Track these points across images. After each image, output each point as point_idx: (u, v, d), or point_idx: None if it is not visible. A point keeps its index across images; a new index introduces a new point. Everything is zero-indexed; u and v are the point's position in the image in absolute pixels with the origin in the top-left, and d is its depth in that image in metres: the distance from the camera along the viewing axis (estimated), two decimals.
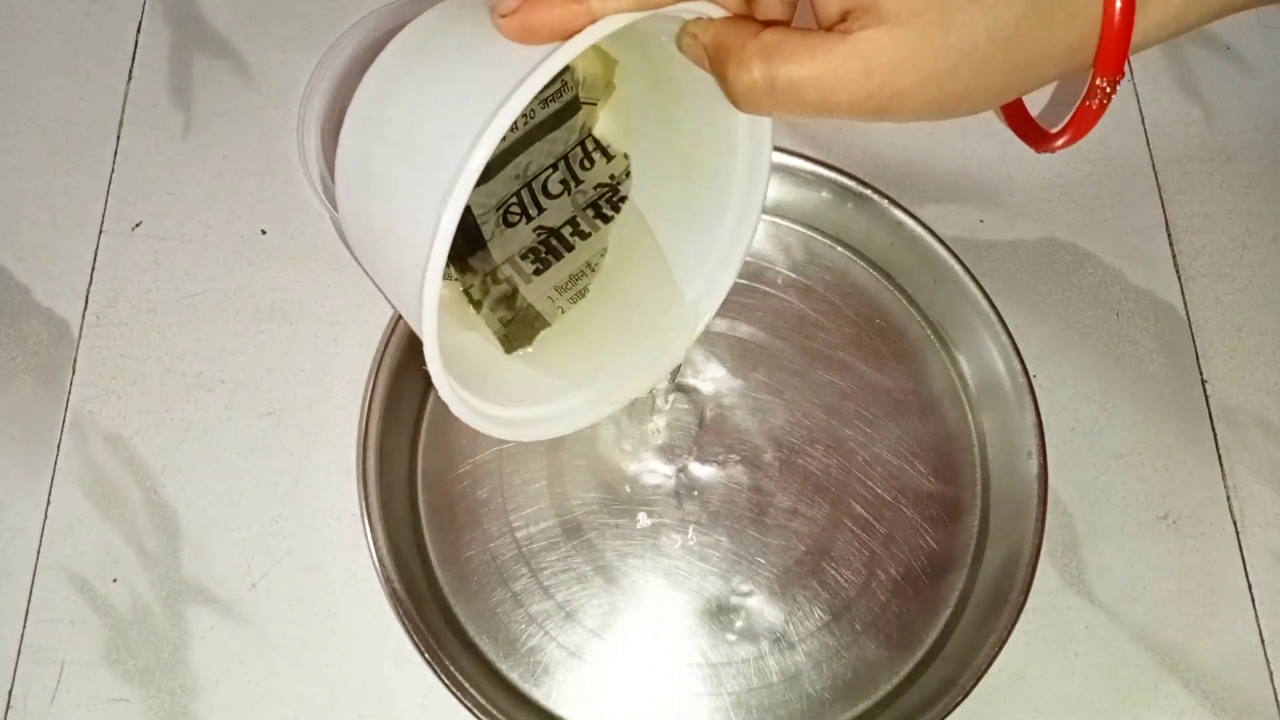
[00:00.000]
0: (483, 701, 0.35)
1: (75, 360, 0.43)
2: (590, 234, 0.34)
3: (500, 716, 0.35)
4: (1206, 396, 0.44)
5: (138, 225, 0.45)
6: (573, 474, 0.41)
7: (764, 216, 0.36)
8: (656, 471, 0.41)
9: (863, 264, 0.45)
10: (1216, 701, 0.40)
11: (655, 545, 0.40)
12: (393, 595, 0.36)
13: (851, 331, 0.43)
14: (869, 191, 0.42)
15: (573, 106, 0.32)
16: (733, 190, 0.32)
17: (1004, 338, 0.40)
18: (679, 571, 0.40)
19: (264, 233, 0.45)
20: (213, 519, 0.41)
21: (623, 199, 0.34)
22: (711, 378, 0.42)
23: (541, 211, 0.33)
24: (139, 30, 0.48)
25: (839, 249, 0.45)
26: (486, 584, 0.39)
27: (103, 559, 0.40)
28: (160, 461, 0.41)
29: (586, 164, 0.33)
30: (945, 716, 0.35)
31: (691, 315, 0.35)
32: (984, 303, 0.41)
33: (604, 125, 0.34)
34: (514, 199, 0.32)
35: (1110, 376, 0.44)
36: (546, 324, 0.35)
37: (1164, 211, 0.47)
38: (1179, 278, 0.46)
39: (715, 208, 0.33)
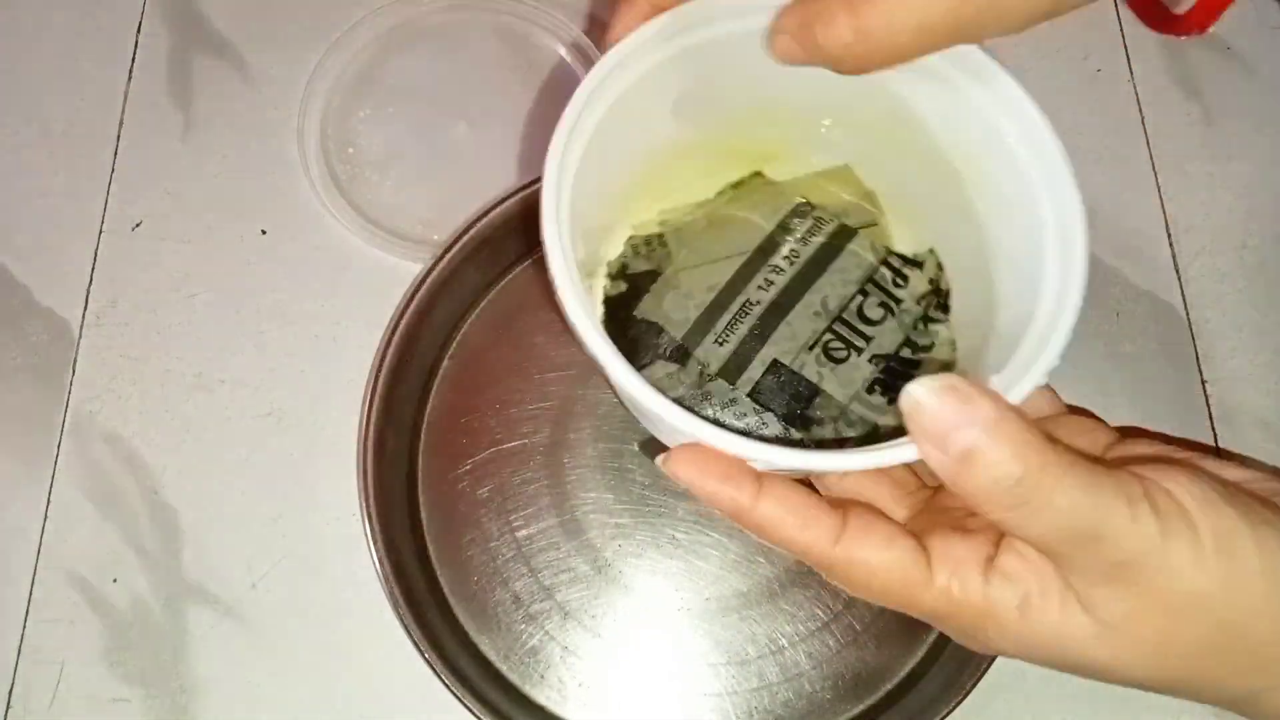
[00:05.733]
0: (483, 701, 0.35)
1: (75, 360, 0.43)
2: (932, 344, 0.32)
3: (500, 716, 0.35)
4: (1206, 396, 0.44)
5: (138, 225, 0.45)
6: (572, 474, 0.41)
7: None
8: (656, 471, 0.41)
9: None
10: None
11: (655, 545, 0.40)
12: (392, 595, 0.36)
13: None
14: None
15: (844, 233, 0.31)
16: (1043, 287, 0.27)
17: None
18: (679, 571, 0.40)
19: (264, 233, 0.45)
20: (213, 519, 0.41)
21: (948, 294, 0.32)
22: None
23: (869, 340, 0.31)
24: (139, 30, 0.48)
25: None
26: (486, 584, 0.39)
27: (103, 559, 0.40)
28: (160, 461, 0.41)
29: (900, 281, 0.32)
30: (945, 716, 0.35)
31: None
32: None
33: (899, 234, 0.32)
34: (830, 335, 0.31)
35: (1110, 376, 0.44)
36: None
37: (1164, 211, 0.47)
38: (1179, 278, 0.46)
39: (1025, 305, 0.27)
